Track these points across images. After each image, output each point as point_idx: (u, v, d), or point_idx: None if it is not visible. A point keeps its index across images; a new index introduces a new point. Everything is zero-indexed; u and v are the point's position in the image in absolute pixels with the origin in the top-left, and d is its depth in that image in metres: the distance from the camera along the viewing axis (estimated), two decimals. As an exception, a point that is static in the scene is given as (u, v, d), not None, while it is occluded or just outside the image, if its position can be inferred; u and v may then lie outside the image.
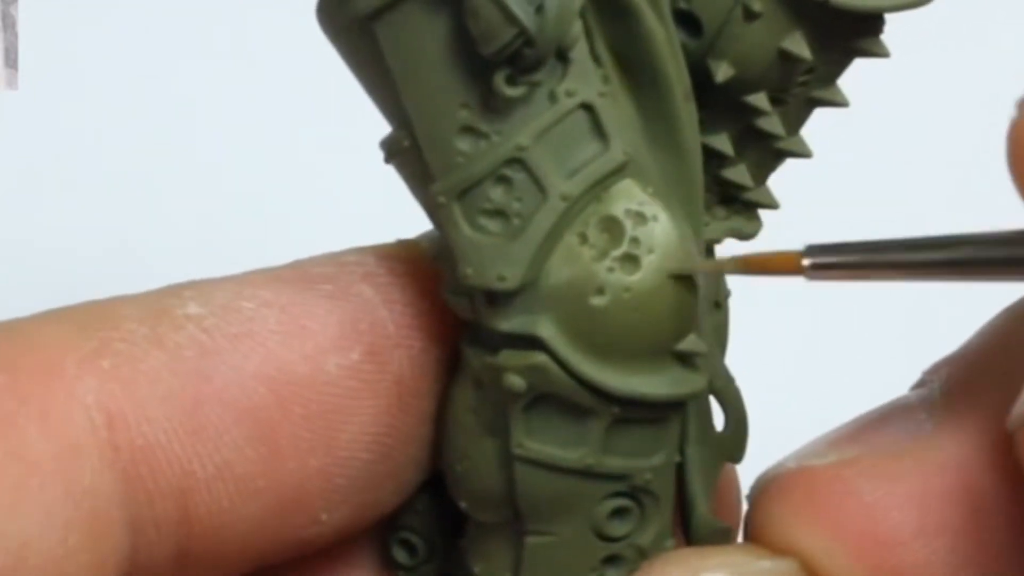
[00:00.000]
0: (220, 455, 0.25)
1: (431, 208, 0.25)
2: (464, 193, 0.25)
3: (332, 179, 0.47)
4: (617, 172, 0.25)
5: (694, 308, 0.25)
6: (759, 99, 0.27)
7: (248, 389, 0.25)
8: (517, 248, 0.24)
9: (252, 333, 0.25)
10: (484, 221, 0.25)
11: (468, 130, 0.24)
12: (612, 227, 0.25)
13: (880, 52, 0.27)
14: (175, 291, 0.26)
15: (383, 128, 0.26)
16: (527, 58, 0.24)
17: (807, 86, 0.27)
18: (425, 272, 0.26)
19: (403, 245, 0.27)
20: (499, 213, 0.25)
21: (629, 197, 0.25)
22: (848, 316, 0.55)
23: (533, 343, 0.25)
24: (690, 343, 0.25)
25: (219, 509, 0.25)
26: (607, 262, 0.25)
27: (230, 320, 0.25)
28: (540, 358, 0.25)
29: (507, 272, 0.24)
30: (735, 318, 0.29)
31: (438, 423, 0.27)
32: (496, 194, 0.24)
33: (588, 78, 0.25)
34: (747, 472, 0.29)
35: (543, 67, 0.24)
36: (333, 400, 0.26)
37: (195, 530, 0.25)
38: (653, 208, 0.25)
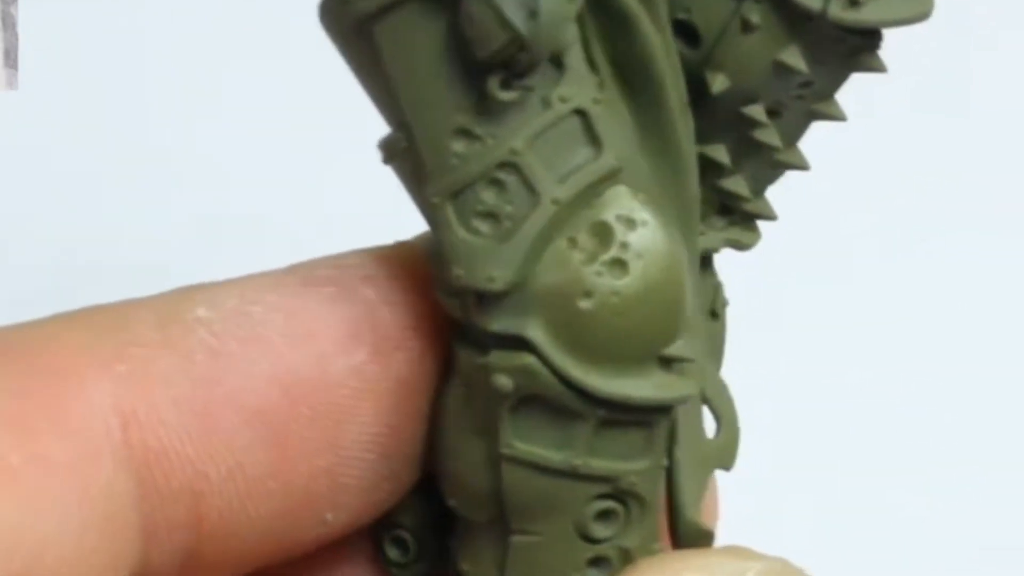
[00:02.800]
0: (232, 457, 0.25)
1: (426, 209, 0.26)
2: (457, 194, 0.25)
3: (334, 181, 0.47)
4: (609, 178, 0.25)
5: (682, 314, 0.25)
6: (756, 111, 0.27)
7: (258, 391, 0.26)
8: (507, 250, 0.25)
9: (261, 337, 0.26)
10: (476, 223, 0.25)
11: (463, 132, 0.25)
12: (602, 232, 0.25)
13: (877, 67, 0.27)
14: (185, 295, 0.26)
15: (379, 129, 0.26)
16: (520, 63, 0.24)
17: (804, 99, 0.27)
18: (423, 273, 0.27)
19: (401, 247, 0.28)
20: (491, 215, 0.25)
21: (621, 203, 0.25)
22: (841, 326, 0.55)
23: (521, 344, 0.25)
24: (677, 348, 0.26)
25: (230, 511, 0.26)
26: (596, 266, 0.25)
27: (239, 324, 0.26)
28: (528, 359, 0.25)
29: (496, 273, 0.25)
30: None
31: (431, 422, 0.27)
32: (489, 196, 0.25)
33: (583, 84, 0.25)
34: (738, 478, 0.29)
35: (537, 72, 0.24)
36: (339, 401, 0.26)
37: (205, 533, 0.26)
38: (643, 214, 0.25)
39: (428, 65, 0.24)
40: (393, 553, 0.29)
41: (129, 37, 0.57)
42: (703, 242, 0.28)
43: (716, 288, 0.29)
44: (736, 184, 0.28)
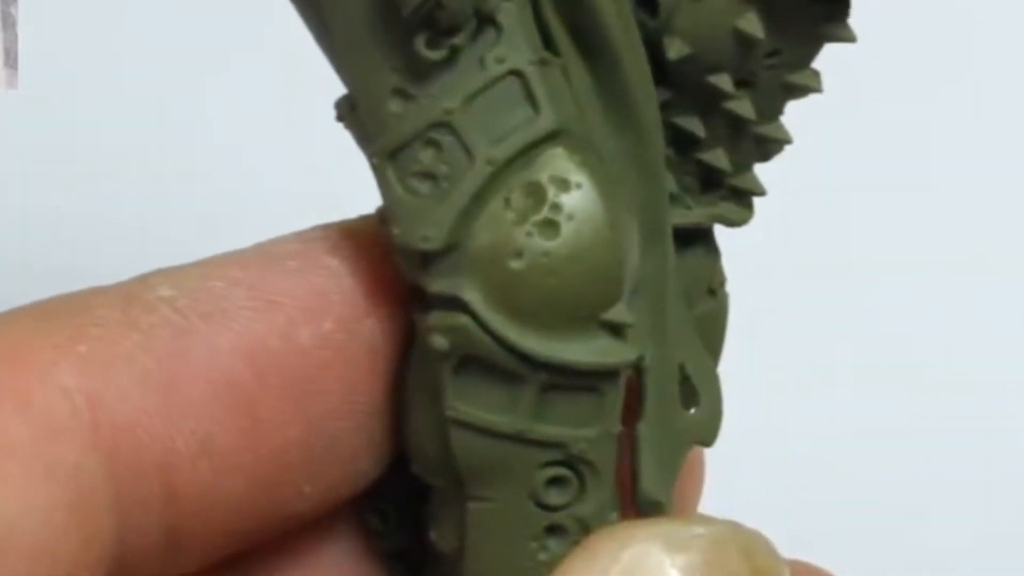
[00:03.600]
0: (202, 430, 0.25)
1: (372, 169, 0.26)
2: (395, 154, 0.25)
3: (333, 176, 0.47)
4: (547, 140, 0.25)
5: (620, 277, 0.25)
6: (722, 80, 0.27)
7: (224, 364, 0.26)
8: (442, 210, 0.25)
9: (224, 311, 0.26)
10: (415, 183, 0.25)
11: (398, 92, 0.25)
12: (535, 192, 0.25)
13: (847, 37, 0.27)
14: (144, 278, 0.27)
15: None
16: (440, 21, 0.24)
17: (776, 70, 0.27)
18: (389, 242, 0.27)
19: (366, 218, 0.28)
20: (428, 175, 0.25)
21: (556, 164, 0.25)
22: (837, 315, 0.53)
23: (458, 305, 0.25)
24: (616, 313, 0.25)
25: (204, 485, 0.26)
26: (527, 226, 0.25)
27: (201, 300, 0.26)
28: (462, 319, 0.25)
29: (431, 233, 0.25)
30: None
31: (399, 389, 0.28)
32: (425, 156, 0.25)
33: (520, 46, 0.25)
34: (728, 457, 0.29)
35: (462, 30, 0.25)
36: (308, 370, 0.26)
37: (182, 509, 0.26)
38: (579, 176, 0.25)
39: (362, 25, 0.25)
40: (375, 522, 0.29)
41: (129, 37, 0.58)
42: (690, 217, 0.28)
43: (713, 265, 0.29)
44: (715, 157, 0.28)
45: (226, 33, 0.55)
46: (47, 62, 0.53)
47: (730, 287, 0.29)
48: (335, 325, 0.27)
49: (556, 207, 0.25)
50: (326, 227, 0.28)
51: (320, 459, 0.27)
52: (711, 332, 0.29)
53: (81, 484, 0.24)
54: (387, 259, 0.27)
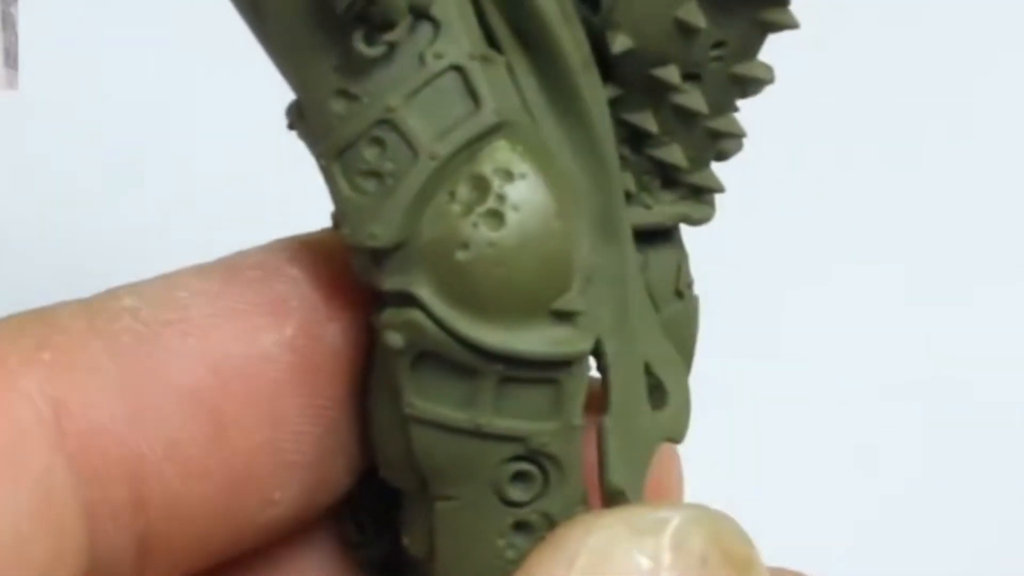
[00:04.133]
0: (167, 436, 0.26)
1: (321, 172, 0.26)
2: (341, 154, 0.26)
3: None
4: (490, 133, 0.25)
5: (568, 266, 0.25)
6: (669, 72, 0.27)
7: (187, 370, 0.26)
8: (389, 207, 0.25)
9: (186, 319, 0.26)
10: (361, 181, 0.26)
11: (341, 93, 0.25)
12: (479, 184, 0.25)
13: (789, 23, 0.27)
14: (110, 291, 0.27)
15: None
16: (374, 16, 0.25)
17: (723, 61, 0.27)
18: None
19: (328, 230, 0.28)
20: (374, 173, 0.25)
21: (499, 156, 0.25)
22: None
23: (410, 300, 0.25)
24: (567, 302, 0.26)
25: (173, 492, 0.26)
26: (472, 217, 0.25)
27: (165, 309, 0.26)
28: (414, 314, 0.25)
29: (378, 230, 0.25)
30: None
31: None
32: (371, 155, 0.25)
33: (459, 40, 0.26)
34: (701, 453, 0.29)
35: (398, 26, 0.25)
36: (272, 375, 0.27)
37: (152, 515, 0.26)
38: (522, 167, 0.25)
39: (300, 25, 0.25)
40: (352, 533, 0.29)
41: (129, 37, 0.58)
42: (650, 216, 0.28)
43: (678, 265, 0.29)
44: (670, 153, 0.28)
45: (227, 33, 0.56)
46: (47, 62, 0.54)
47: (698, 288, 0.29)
48: (297, 330, 0.27)
49: (501, 198, 0.25)
50: (287, 239, 0.28)
51: (289, 464, 0.27)
52: (681, 335, 0.29)
53: (50, 492, 0.24)
54: (349, 265, 0.27)
